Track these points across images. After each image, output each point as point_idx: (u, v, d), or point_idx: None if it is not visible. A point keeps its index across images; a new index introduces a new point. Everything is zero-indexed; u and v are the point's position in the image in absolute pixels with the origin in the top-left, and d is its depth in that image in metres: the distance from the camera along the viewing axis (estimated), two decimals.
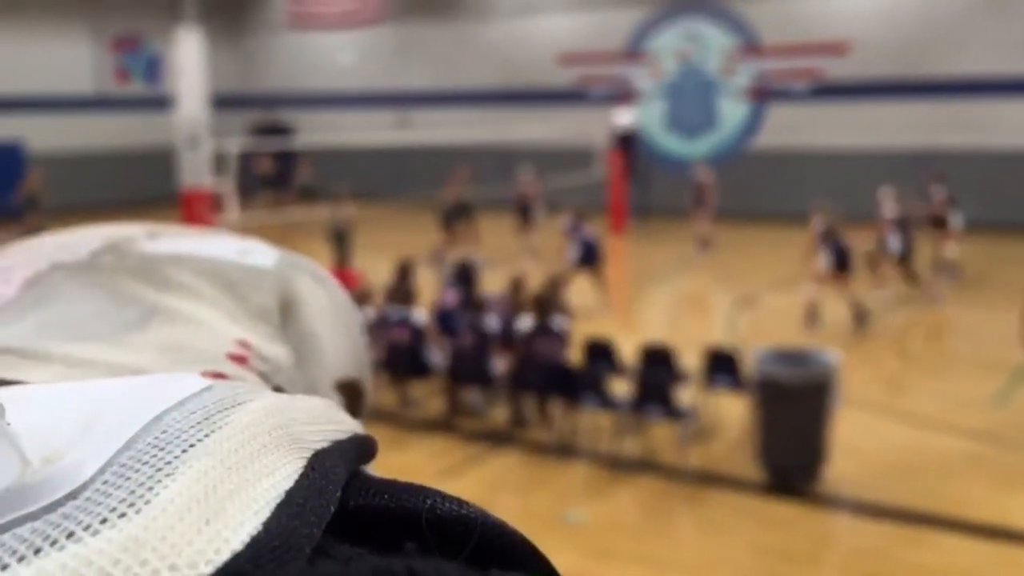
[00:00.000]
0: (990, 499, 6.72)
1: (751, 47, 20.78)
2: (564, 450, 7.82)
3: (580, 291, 12.28)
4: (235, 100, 26.60)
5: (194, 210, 13.54)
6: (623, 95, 21.69)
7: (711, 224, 16.72)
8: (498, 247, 16.20)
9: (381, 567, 0.26)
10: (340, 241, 13.41)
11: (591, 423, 7.98)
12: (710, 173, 17.31)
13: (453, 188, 16.51)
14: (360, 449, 0.33)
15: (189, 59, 13.65)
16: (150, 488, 0.26)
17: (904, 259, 12.65)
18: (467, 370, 8.43)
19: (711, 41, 21.22)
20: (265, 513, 0.27)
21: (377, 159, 23.33)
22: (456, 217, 16.18)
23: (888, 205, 13.02)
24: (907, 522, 6.45)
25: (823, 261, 11.58)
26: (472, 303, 9.22)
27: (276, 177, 23.28)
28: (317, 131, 24.29)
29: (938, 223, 13.70)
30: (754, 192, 19.96)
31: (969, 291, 13.27)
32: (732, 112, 21.23)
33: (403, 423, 8.45)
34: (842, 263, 11.44)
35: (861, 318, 11.30)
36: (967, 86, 18.48)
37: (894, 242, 12.62)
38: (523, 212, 16.65)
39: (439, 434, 8.31)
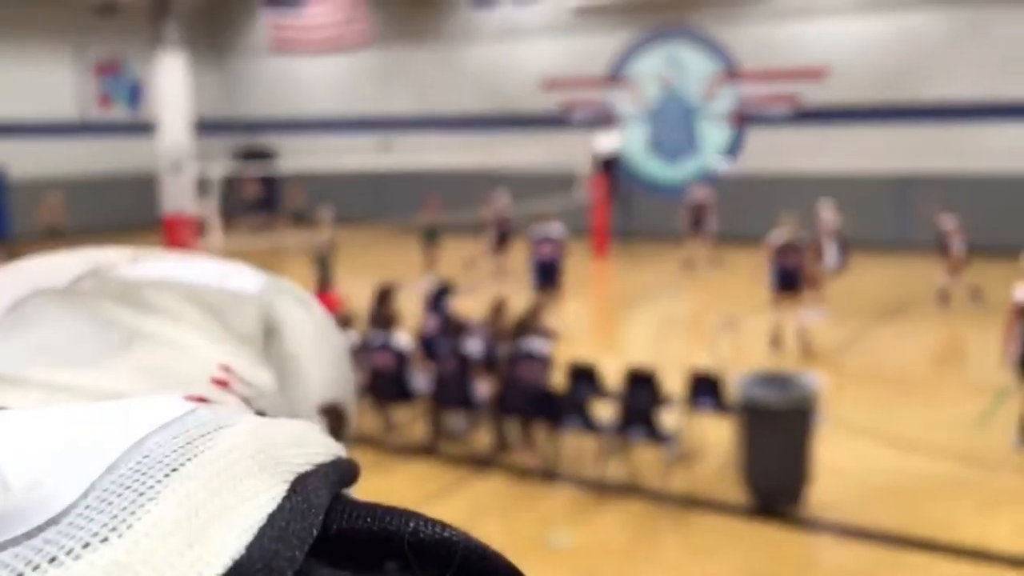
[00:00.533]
0: (973, 521, 6.74)
1: (731, 72, 20.98)
2: (548, 474, 7.80)
3: (562, 314, 12.29)
4: (218, 125, 26.62)
5: (177, 235, 13.51)
6: (606, 120, 21.84)
7: (711, 244, 16.78)
8: (477, 270, 16.21)
9: None
10: (321, 265, 13.42)
11: (575, 446, 7.96)
12: (710, 193, 17.39)
13: (428, 213, 16.70)
14: (343, 473, 0.33)
15: (171, 84, 13.65)
16: (132, 512, 0.26)
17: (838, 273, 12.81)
18: (450, 394, 8.42)
19: (691, 67, 21.41)
20: (248, 537, 0.27)
21: (361, 183, 23.36)
22: (427, 241, 16.48)
23: (827, 216, 13.16)
24: (891, 544, 6.46)
25: (769, 280, 11.51)
26: (452, 327, 9.19)
27: (263, 201, 23.33)
28: (300, 155, 24.30)
29: (944, 249, 13.78)
30: (735, 215, 20.07)
31: (951, 313, 13.37)
32: (713, 136, 21.40)
33: (386, 448, 8.41)
34: (787, 283, 11.26)
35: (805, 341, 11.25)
36: (944, 111, 18.70)
37: (831, 256, 12.72)
38: (501, 235, 16.71)
39: (422, 459, 8.28)
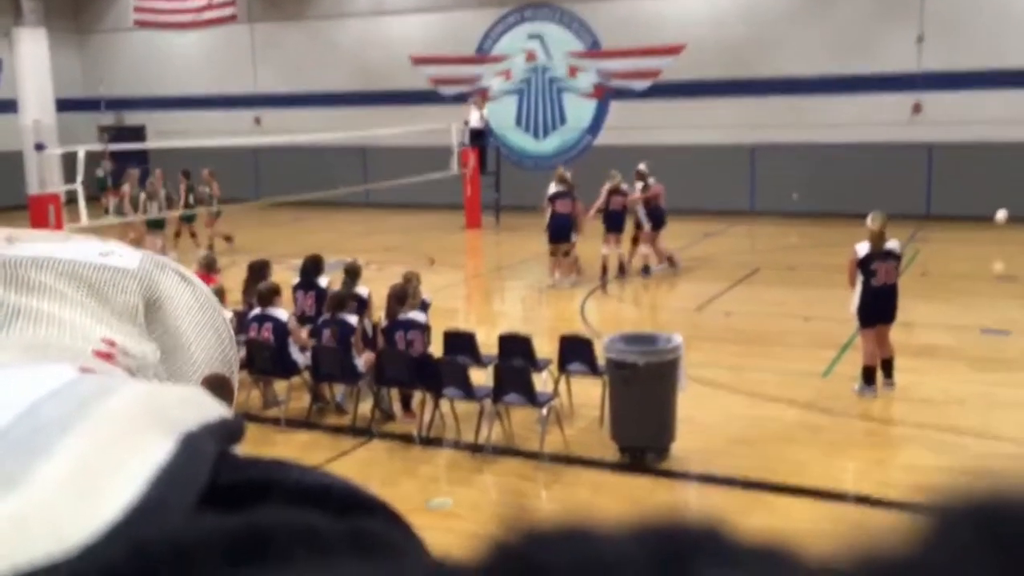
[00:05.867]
0: (822, 463, 7.30)
1: (593, 48, 21.54)
2: (427, 440, 8.02)
3: (436, 286, 12.50)
4: (83, 103, 25.70)
5: (42, 215, 13.09)
6: (476, 94, 22.09)
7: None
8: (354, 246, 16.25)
9: (261, 515, 0.29)
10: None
11: (454, 412, 8.19)
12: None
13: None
14: (229, 431, 0.34)
15: (32, 62, 13.18)
16: (27, 469, 0.28)
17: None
18: (330, 367, 8.53)
19: (556, 43, 21.87)
20: (140, 485, 0.28)
21: (233, 161, 23.00)
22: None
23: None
24: (749, 489, 6.93)
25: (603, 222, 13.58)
26: (330, 300, 9.21)
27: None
28: (169, 133, 23.68)
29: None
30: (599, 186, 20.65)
31: (796, 274, 14.17)
32: (578, 110, 21.93)
33: (266, 421, 8.48)
34: (614, 223, 13.49)
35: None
36: (789, 84, 19.72)
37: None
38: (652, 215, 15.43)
39: (303, 431, 8.39)
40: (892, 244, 8.61)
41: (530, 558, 0.27)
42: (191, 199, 16.52)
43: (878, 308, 8.57)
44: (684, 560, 0.26)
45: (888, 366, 8.76)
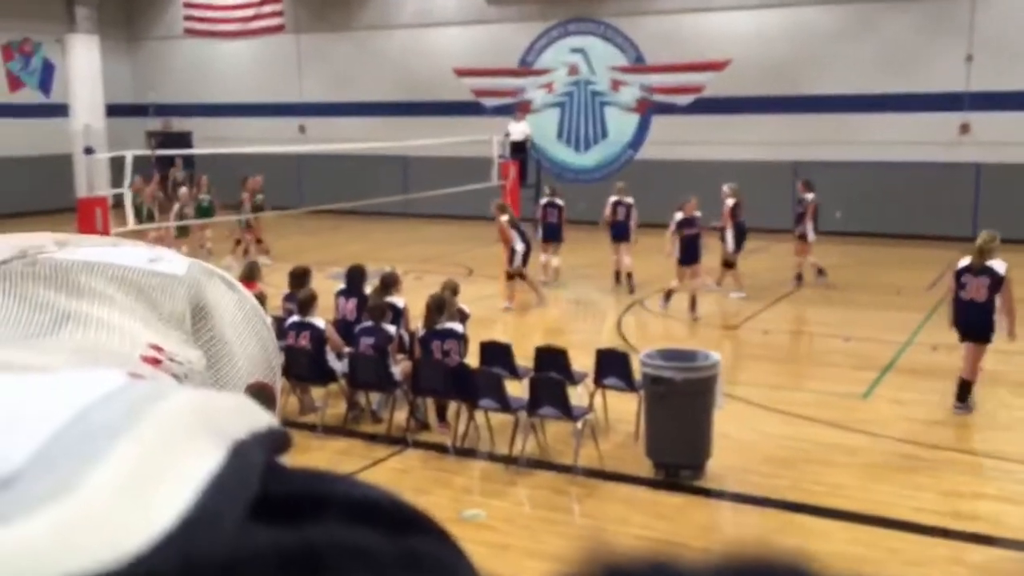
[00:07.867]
0: (860, 487, 7.19)
1: (636, 63, 21.50)
2: (462, 451, 8.02)
3: (473, 297, 12.52)
4: (132, 109, 26.16)
5: (90, 219, 13.28)
6: (517, 107, 22.16)
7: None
8: (391, 256, 16.32)
9: (313, 533, 0.29)
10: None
11: (488, 424, 8.18)
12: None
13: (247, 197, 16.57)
14: (277, 441, 0.34)
15: (84, 67, 13.43)
16: (79, 474, 0.28)
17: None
18: (366, 375, 8.56)
19: (599, 57, 21.87)
20: (191, 494, 0.28)
21: (277, 168, 23.25)
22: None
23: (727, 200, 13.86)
24: (785, 510, 6.84)
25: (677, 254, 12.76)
26: (369, 309, 9.26)
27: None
28: (215, 140, 23.98)
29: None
30: (642, 200, 20.60)
31: (837, 293, 14.01)
32: (620, 124, 21.89)
33: (304, 427, 8.53)
34: (688, 256, 12.65)
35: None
36: (833, 102, 19.53)
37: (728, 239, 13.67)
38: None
39: (339, 438, 8.42)
40: (994, 263, 8.56)
41: None
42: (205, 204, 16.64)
43: (963, 322, 8.64)
44: None
45: (964, 388, 8.68)
